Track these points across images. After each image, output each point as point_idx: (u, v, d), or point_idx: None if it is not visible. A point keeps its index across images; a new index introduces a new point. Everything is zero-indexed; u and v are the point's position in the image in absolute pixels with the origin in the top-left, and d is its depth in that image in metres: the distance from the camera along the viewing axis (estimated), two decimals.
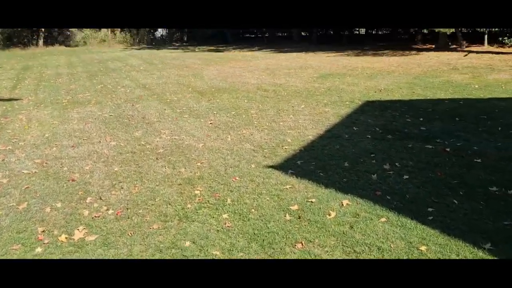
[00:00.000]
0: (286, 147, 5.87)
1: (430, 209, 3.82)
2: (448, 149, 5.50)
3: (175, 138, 6.49)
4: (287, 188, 4.43)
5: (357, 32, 30.60)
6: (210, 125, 7.28)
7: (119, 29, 37.65)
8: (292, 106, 8.55)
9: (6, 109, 9.21)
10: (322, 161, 5.25)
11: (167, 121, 7.62)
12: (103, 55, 23.26)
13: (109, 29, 37.16)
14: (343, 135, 6.37)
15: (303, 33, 30.44)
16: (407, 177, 4.63)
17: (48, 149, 6.09)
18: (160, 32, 40.07)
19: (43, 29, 31.45)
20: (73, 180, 4.81)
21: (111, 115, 8.24)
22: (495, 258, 3.07)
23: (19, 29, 28.92)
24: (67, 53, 25.56)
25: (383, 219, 3.67)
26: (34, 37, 32.44)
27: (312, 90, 10.27)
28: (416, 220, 3.61)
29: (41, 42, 32.03)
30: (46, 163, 5.46)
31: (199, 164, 5.29)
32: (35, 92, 11.30)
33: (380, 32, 30.68)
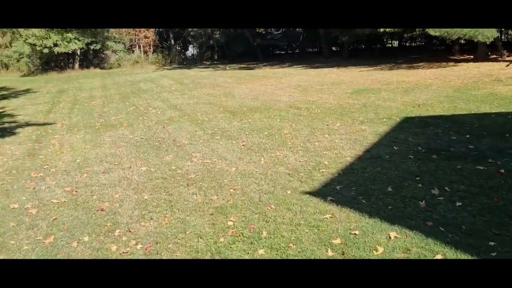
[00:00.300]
0: (323, 170, 5.53)
1: (491, 243, 3.39)
2: (502, 171, 5.02)
3: (206, 162, 6.26)
4: (327, 218, 4.09)
5: (390, 45, 29.98)
6: (243, 146, 7.03)
7: (151, 50, 38.44)
8: (327, 125, 8.21)
9: (40, 133, 9.28)
10: (363, 185, 4.88)
11: (198, 144, 7.42)
12: (136, 76, 23.64)
13: (142, 50, 37.99)
14: (384, 155, 5.98)
15: (333, 48, 30.08)
16: (460, 204, 4.20)
17: (79, 176, 5.97)
18: (191, 51, 40.65)
19: (78, 53, 32.42)
20: (102, 210, 4.63)
21: (142, 138, 8.14)
22: None
23: (56, 53, 29.81)
24: (101, 75, 26.14)
25: (438, 256, 3.27)
26: (70, 61, 33.48)
27: (347, 107, 9.90)
28: (478, 257, 3.19)
29: (77, 65, 32.98)
30: (75, 191, 5.33)
31: (231, 190, 5.02)
32: (68, 115, 11.42)
33: (413, 44, 29.96)
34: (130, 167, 6.28)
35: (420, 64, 18.80)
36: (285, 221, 4.09)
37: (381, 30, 19.43)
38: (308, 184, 5.07)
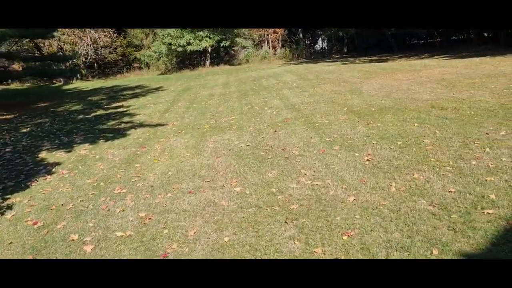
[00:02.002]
0: (489, 211, 3.64)
1: None
2: None
3: (316, 185, 4.77)
4: None
5: None
6: (367, 162, 5.37)
7: (280, 45, 37.86)
8: (486, 133, 6.06)
9: (149, 136, 8.72)
10: None
11: (311, 156, 5.96)
12: (260, 72, 22.94)
13: (270, 46, 37.63)
14: None
15: (485, 34, 25.79)
16: None
17: (162, 196, 4.97)
18: (320, 45, 39.10)
19: (209, 50, 33.12)
20: (165, 256, 3.47)
21: (248, 145, 6.95)
22: None
23: (189, 51, 30.82)
24: (228, 72, 26.09)
25: None
26: (202, 58, 34.46)
27: None
28: None
29: (208, 62, 33.77)
30: (149, 219, 4.29)
31: (345, 237, 3.47)
32: (182, 116, 10.85)
33: None
34: (223, 186, 5.09)
35: None
36: None
37: None
38: (466, 236, 3.26)
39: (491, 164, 4.77)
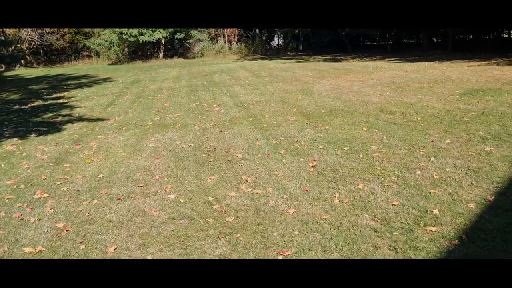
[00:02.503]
0: (432, 228, 3.46)
1: None
2: None
3: (256, 193, 4.46)
4: None
5: (506, 35, 25.74)
6: (312, 169, 5.12)
7: (236, 40, 37.37)
8: (432, 141, 5.99)
9: (85, 132, 8.11)
10: None
11: (255, 160, 5.65)
12: (214, 67, 22.45)
13: (226, 40, 37.06)
14: None
15: (434, 39, 26.57)
16: None
17: (87, 202, 4.49)
18: (276, 41, 38.98)
19: (163, 42, 32.15)
20: None
21: (190, 146, 6.55)
22: None
23: (141, 42, 29.78)
24: (181, 65, 25.40)
25: None
26: (155, 50, 33.41)
27: (458, 114, 7.51)
28: None
29: (161, 54, 32.80)
30: (67, 230, 3.82)
31: (280, 257, 3.17)
32: (126, 111, 10.25)
33: None
34: (156, 192, 4.68)
35: None
36: None
37: None
38: (407, 258, 3.05)
39: (436, 175, 4.65)
